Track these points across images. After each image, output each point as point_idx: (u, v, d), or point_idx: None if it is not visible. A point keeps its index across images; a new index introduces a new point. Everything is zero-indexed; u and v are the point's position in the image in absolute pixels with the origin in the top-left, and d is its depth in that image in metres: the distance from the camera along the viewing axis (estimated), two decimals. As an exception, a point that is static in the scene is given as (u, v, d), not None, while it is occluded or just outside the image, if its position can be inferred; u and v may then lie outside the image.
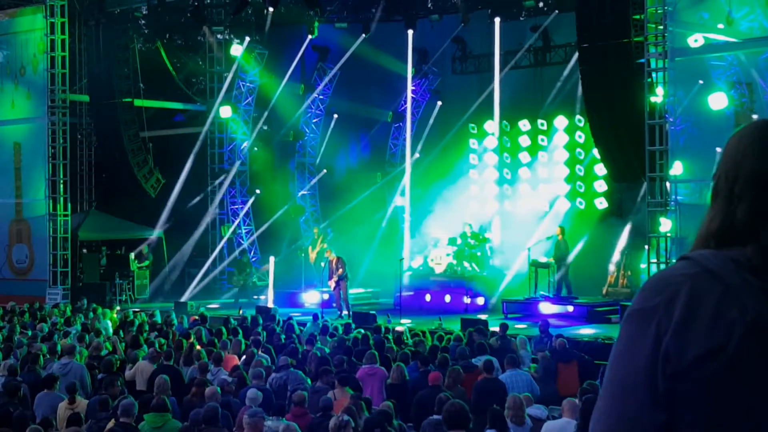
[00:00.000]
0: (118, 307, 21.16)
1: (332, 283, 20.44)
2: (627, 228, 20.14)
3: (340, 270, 20.33)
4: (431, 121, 25.63)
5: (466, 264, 21.86)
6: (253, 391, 9.60)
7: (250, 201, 25.94)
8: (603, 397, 1.64)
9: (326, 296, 21.30)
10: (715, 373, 1.51)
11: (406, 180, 24.52)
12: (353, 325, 16.64)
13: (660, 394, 1.56)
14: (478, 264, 21.85)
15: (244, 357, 12.78)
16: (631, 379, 1.59)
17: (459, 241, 22.18)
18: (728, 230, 1.62)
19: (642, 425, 1.57)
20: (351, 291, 21.43)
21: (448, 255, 22.07)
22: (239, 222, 26.37)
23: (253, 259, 26.00)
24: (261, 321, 16.97)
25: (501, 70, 23.57)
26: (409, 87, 24.64)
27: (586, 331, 17.05)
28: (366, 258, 23.15)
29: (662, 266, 16.88)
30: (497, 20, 22.79)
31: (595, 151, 20.50)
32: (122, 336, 15.46)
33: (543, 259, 20.23)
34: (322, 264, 21.74)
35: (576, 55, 19.97)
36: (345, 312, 19.74)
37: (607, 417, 1.62)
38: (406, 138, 25.12)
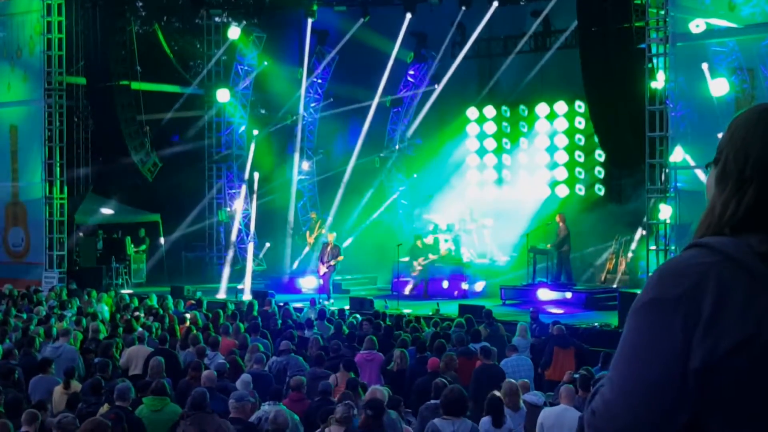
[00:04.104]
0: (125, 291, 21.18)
1: (323, 268, 20.29)
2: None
3: (340, 257, 20.23)
4: (429, 105, 25.51)
5: (464, 250, 21.79)
6: (245, 376, 9.55)
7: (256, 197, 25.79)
8: (620, 393, 1.56)
9: (322, 282, 21.19)
10: (748, 364, 1.48)
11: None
12: (347, 311, 16.60)
13: (689, 391, 1.51)
14: (476, 250, 21.82)
15: (237, 342, 12.77)
16: (656, 375, 1.53)
17: (457, 227, 22.11)
18: (741, 214, 1.59)
19: (668, 423, 1.52)
20: (349, 276, 21.34)
21: (446, 241, 21.99)
22: (236, 206, 26.28)
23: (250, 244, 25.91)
24: (257, 306, 16.91)
25: (504, 55, 23.52)
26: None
27: (584, 317, 17.02)
28: (363, 243, 23.07)
29: (662, 253, 16.83)
30: (495, 4, 22.63)
31: (595, 137, 20.43)
32: (117, 320, 15.38)
33: (542, 246, 20.16)
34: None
35: (577, 39, 19.87)
36: (331, 300, 19.62)
37: (626, 415, 1.54)
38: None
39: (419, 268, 21.04)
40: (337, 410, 7.53)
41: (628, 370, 1.56)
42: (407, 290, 20.83)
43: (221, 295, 21.35)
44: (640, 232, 19.75)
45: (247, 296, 20.29)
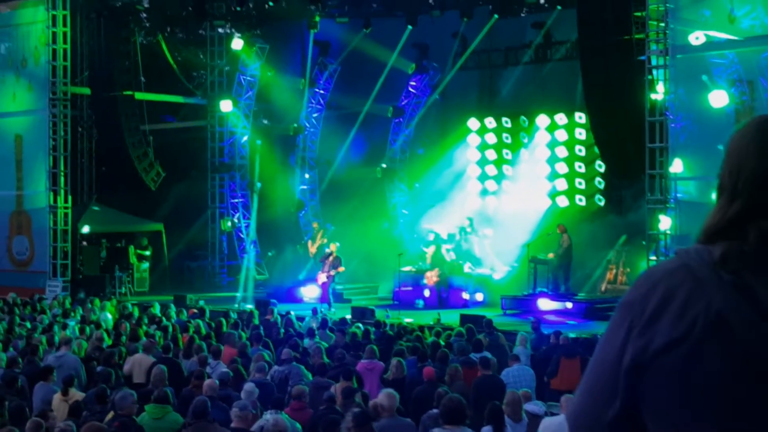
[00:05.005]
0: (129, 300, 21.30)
1: (323, 277, 20.35)
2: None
3: (341, 269, 20.31)
4: (429, 116, 25.64)
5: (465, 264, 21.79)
6: (249, 385, 9.60)
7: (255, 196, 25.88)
8: (578, 389, 1.71)
9: (321, 290, 21.20)
10: (676, 363, 1.54)
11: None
12: (348, 320, 16.67)
13: (620, 389, 1.60)
14: (473, 260, 21.83)
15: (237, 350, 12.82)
16: (600, 368, 1.65)
17: (458, 237, 22.16)
18: (721, 225, 1.64)
19: (600, 414, 1.63)
20: (351, 285, 21.36)
21: (448, 251, 22.03)
22: (239, 215, 26.40)
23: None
24: (257, 315, 16.98)
25: (504, 66, 23.62)
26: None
27: (585, 327, 17.05)
28: (365, 252, 23.13)
29: (661, 264, 16.88)
30: (495, 17, 22.81)
31: (595, 148, 20.52)
32: (119, 328, 15.45)
33: (542, 256, 20.20)
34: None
35: (577, 51, 19.98)
36: (332, 309, 19.66)
37: (577, 403, 1.69)
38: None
39: (435, 279, 21.03)
40: (348, 418, 7.58)
41: (587, 368, 1.71)
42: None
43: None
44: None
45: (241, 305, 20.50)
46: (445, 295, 20.73)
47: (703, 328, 1.53)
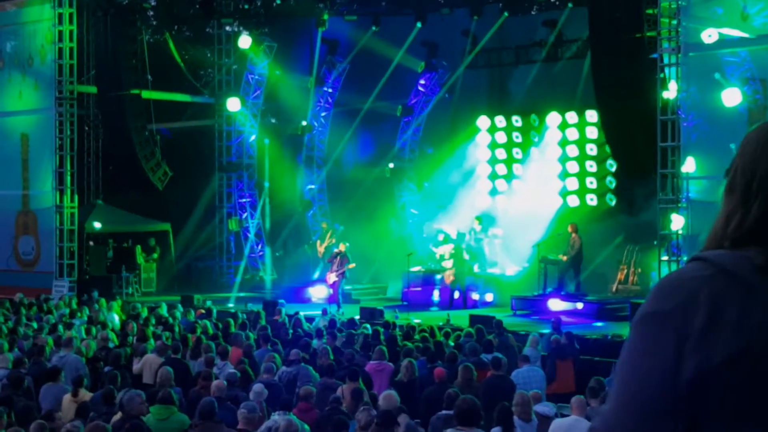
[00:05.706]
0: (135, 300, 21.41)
1: (333, 277, 20.23)
2: None
3: (351, 265, 20.18)
4: (438, 114, 25.51)
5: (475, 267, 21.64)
6: (258, 386, 9.52)
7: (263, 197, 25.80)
8: (615, 407, 1.57)
9: (331, 291, 21.11)
10: (741, 376, 1.47)
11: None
12: (357, 320, 16.57)
13: (680, 405, 1.51)
14: (483, 260, 21.68)
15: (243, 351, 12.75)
16: (647, 388, 1.53)
17: (467, 237, 22.01)
18: (745, 228, 1.58)
19: None
20: (360, 285, 21.27)
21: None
22: (247, 215, 26.31)
23: (260, 254, 25.95)
24: (264, 315, 16.88)
25: (515, 64, 23.50)
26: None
27: (597, 328, 16.93)
28: (374, 253, 23.02)
29: (673, 264, 16.76)
30: (505, 14, 22.70)
31: (607, 147, 20.36)
32: (127, 329, 15.36)
33: (552, 256, 20.05)
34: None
35: (588, 49, 19.85)
36: (341, 310, 19.53)
37: (620, 428, 1.56)
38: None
39: (452, 278, 20.84)
40: (359, 417, 7.50)
41: (622, 383, 1.58)
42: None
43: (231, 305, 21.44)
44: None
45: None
46: (459, 296, 20.48)
47: (765, 340, 1.46)
